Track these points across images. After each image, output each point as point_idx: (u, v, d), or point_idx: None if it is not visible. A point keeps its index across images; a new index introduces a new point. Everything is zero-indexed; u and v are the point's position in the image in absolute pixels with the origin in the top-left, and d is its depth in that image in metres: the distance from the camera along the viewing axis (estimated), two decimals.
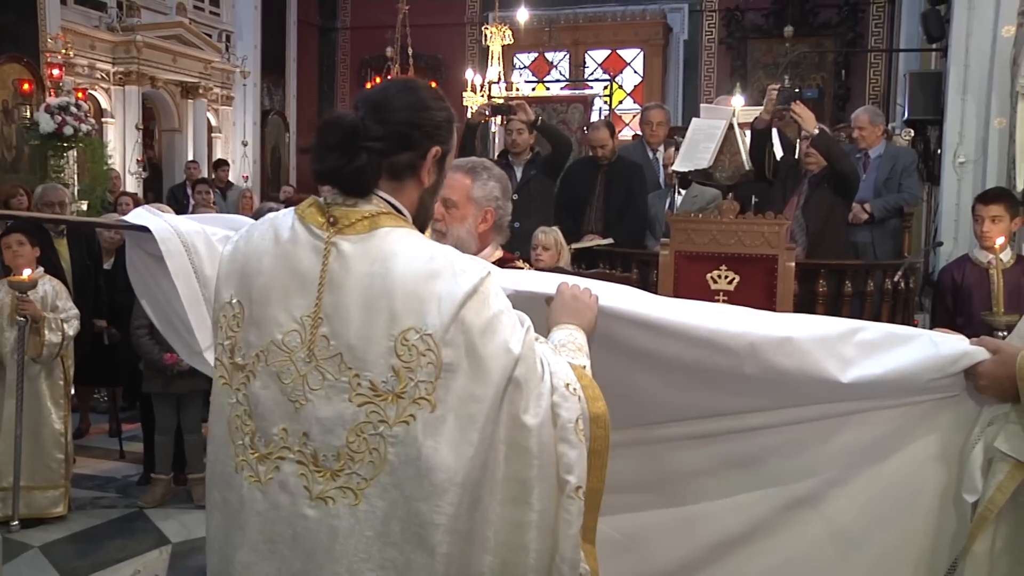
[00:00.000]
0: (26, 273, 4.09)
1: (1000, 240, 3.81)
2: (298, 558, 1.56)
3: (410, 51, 12.85)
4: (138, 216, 2.16)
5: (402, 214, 1.64)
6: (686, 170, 4.86)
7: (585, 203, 5.92)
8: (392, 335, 1.51)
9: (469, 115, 12.93)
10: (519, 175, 5.94)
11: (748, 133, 4.92)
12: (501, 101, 5.80)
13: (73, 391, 5.78)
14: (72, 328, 4.66)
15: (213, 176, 11.25)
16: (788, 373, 1.84)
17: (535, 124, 5.89)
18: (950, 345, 1.85)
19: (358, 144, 1.58)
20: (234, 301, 1.65)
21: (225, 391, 1.65)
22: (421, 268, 1.54)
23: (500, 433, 1.54)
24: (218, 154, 13.57)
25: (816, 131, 4.80)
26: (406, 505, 1.51)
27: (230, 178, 11.76)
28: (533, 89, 13.59)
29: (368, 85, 13.67)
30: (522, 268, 2.41)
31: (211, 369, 2.08)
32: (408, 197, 1.66)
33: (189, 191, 9.74)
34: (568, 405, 1.60)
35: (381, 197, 1.62)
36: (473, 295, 1.53)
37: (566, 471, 1.58)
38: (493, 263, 2.43)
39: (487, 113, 6.07)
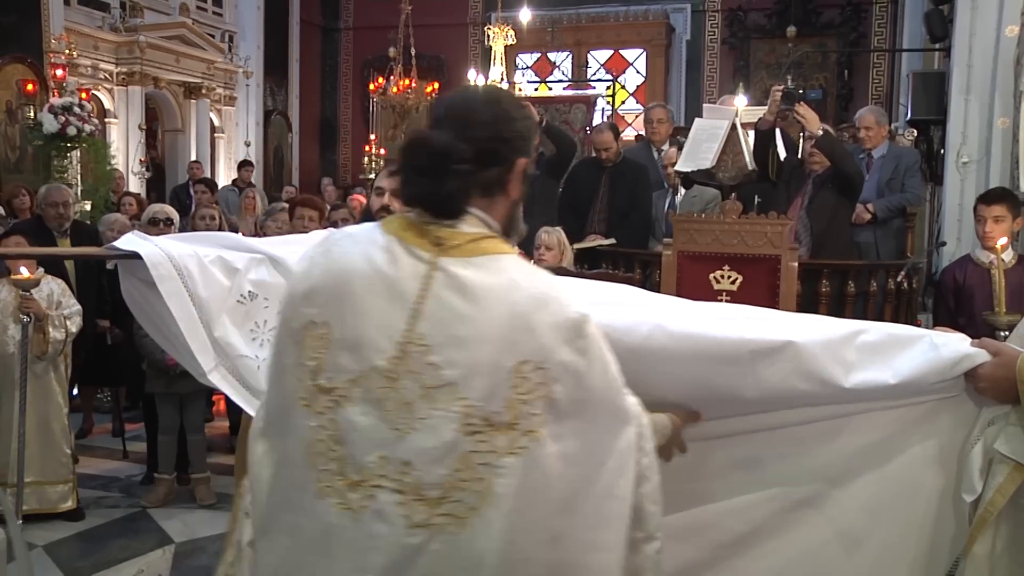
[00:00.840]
0: (24, 271, 4.09)
1: (1002, 240, 3.81)
2: None
3: (413, 51, 12.86)
4: (128, 242, 2.09)
5: (493, 230, 1.60)
6: (689, 170, 4.86)
7: (589, 203, 5.92)
8: (507, 367, 1.48)
9: None
10: None
11: (751, 133, 4.92)
12: None
13: (76, 391, 5.81)
14: (75, 324, 4.70)
15: (236, 176, 11.39)
16: (790, 378, 1.84)
17: (540, 125, 5.89)
18: (951, 347, 1.84)
19: (449, 167, 1.53)
20: (319, 322, 1.55)
21: (304, 413, 1.55)
22: (533, 298, 1.51)
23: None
24: (221, 154, 13.60)
25: (820, 132, 4.80)
26: (503, 537, 1.49)
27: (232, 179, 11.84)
28: (536, 89, 13.60)
29: (371, 86, 13.71)
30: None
31: (225, 387, 2.05)
32: (498, 212, 1.61)
33: (192, 191, 9.76)
34: (649, 448, 1.65)
35: (474, 215, 1.58)
36: (584, 325, 1.53)
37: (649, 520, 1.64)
38: None
39: None
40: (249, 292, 2.11)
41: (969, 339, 1.89)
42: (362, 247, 1.57)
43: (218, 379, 2.06)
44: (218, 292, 2.07)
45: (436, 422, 1.48)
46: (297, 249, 2.23)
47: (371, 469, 1.50)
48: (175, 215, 5.77)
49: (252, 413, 2.05)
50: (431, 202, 1.56)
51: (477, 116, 1.58)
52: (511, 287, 1.51)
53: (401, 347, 1.50)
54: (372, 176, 12.28)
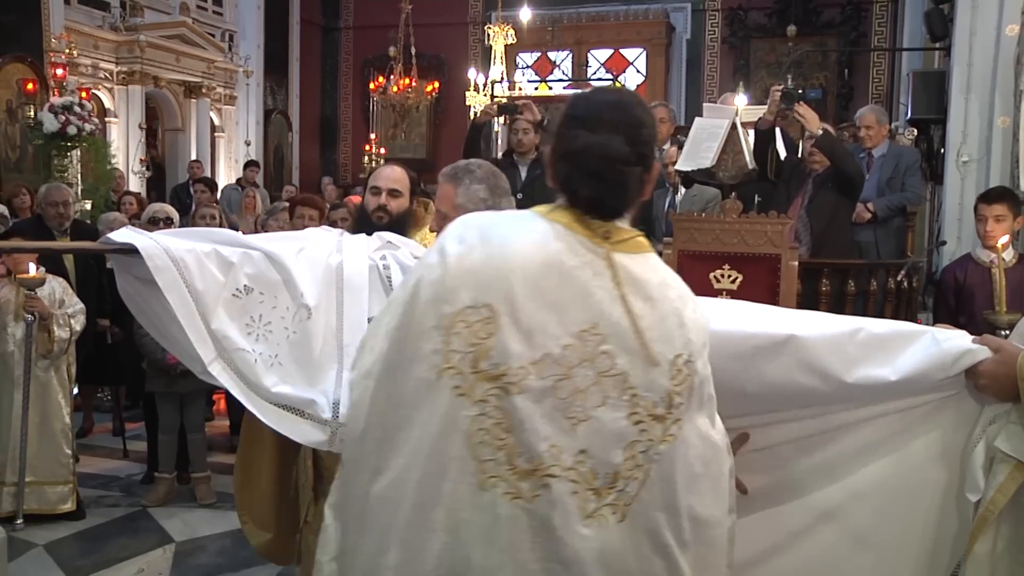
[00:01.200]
0: (32, 269, 4.10)
1: (1003, 239, 3.81)
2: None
3: (413, 50, 12.87)
4: (123, 235, 2.06)
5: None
6: (689, 169, 4.86)
7: None
8: (669, 359, 1.56)
9: (472, 115, 12.96)
10: (524, 175, 5.93)
11: (752, 132, 4.91)
12: (506, 101, 5.78)
13: (77, 390, 5.81)
14: (79, 323, 4.71)
15: (241, 176, 11.42)
16: (792, 372, 1.84)
17: (541, 124, 5.88)
18: (952, 344, 1.84)
19: (622, 170, 1.58)
20: (479, 306, 1.52)
21: (461, 403, 1.52)
22: (681, 296, 1.64)
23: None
24: (221, 154, 13.60)
25: (820, 131, 4.80)
26: (655, 521, 1.56)
27: (233, 178, 11.85)
28: (536, 88, 13.59)
29: (371, 85, 13.72)
30: None
31: (225, 379, 2.02)
32: (632, 210, 1.67)
33: (192, 190, 9.77)
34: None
35: (624, 215, 1.65)
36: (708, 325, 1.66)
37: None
38: None
39: (493, 113, 6.05)
40: (245, 286, 2.09)
41: (971, 335, 1.89)
42: (529, 234, 1.57)
43: (218, 371, 2.04)
44: (213, 285, 2.05)
45: (608, 411, 1.53)
46: (291, 245, 2.23)
47: (544, 458, 1.50)
48: (175, 214, 5.77)
49: (251, 407, 2.05)
50: (604, 204, 1.59)
51: (636, 120, 1.62)
52: (665, 284, 1.62)
53: (577, 336, 1.52)
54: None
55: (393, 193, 2.87)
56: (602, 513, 1.52)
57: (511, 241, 1.56)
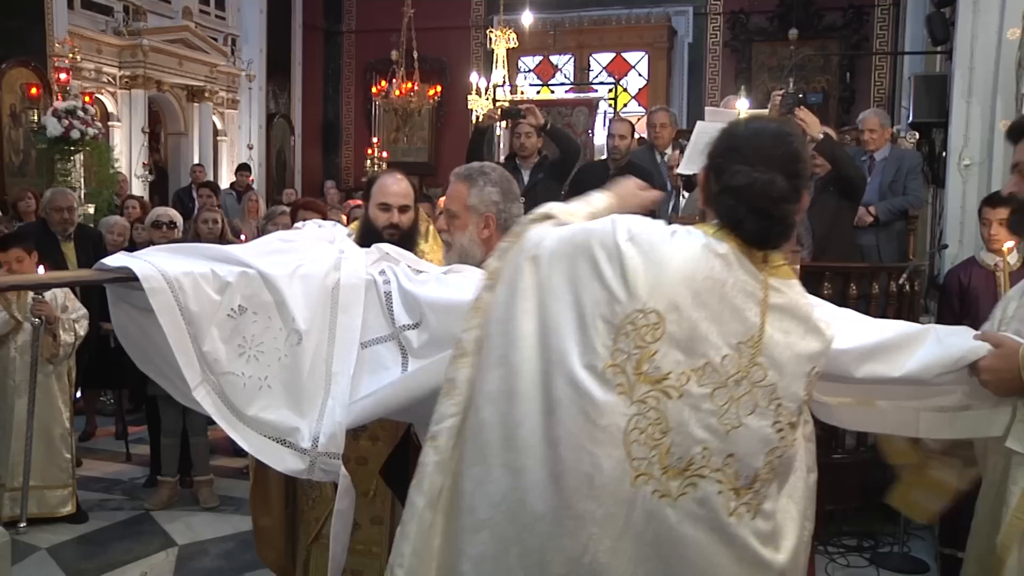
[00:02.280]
0: (41, 272, 4.11)
1: (1009, 243, 3.81)
2: (708, 569, 1.64)
3: (415, 54, 12.87)
4: (117, 260, 2.06)
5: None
6: (691, 173, 4.86)
7: None
8: (806, 371, 1.72)
9: (475, 119, 12.97)
10: (526, 179, 5.93)
11: None
12: (509, 105, 5.77)
13: (79, 394, 5.81)
14: (83, 328, 4.73)
15: (234, 180, 11.38)
16: None
17: (544, 127, 5.88)
18: (953, 341, 1.86)
19: (786, 208, 1.69)
20: (648, 311, 1.62)
21: (622, 401, 1.62)
22: (820, 316, 1.79)
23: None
24: (224, 157, 13.62)
25: (820, 136, 4.80)
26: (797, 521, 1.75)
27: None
28: (538, 92, 13.61)
29: (373, 89, 13.72)
30: None
31: (208, 404, 2.02)
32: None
33: (195, 194, 9.77)
34: None
35: None
36: None
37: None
38: None
39: (496, 116, 6.05)
40: (239, 306, 2.08)
41: (973, 331, 1.90)
42: (694, 249, 1.68)
43: (202, 396, 2.03)
44: (208, 306, 2.03)
45: (757, 419, 1.65)
46: (289, 261, 2.18)
47: (696, 460, 1.62)
48: (179, 218, 5.78)
49: (232, 433, 2.04)
50: (767, 239, 1.71)
51: (794, 154, 1.71)
52: (808, 306, 1.76)
53: (735, 347, 1.65)
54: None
55: (403, 209, 2.77)
56: (739, 512, 1.65)
57: (679, 253, 1.67)
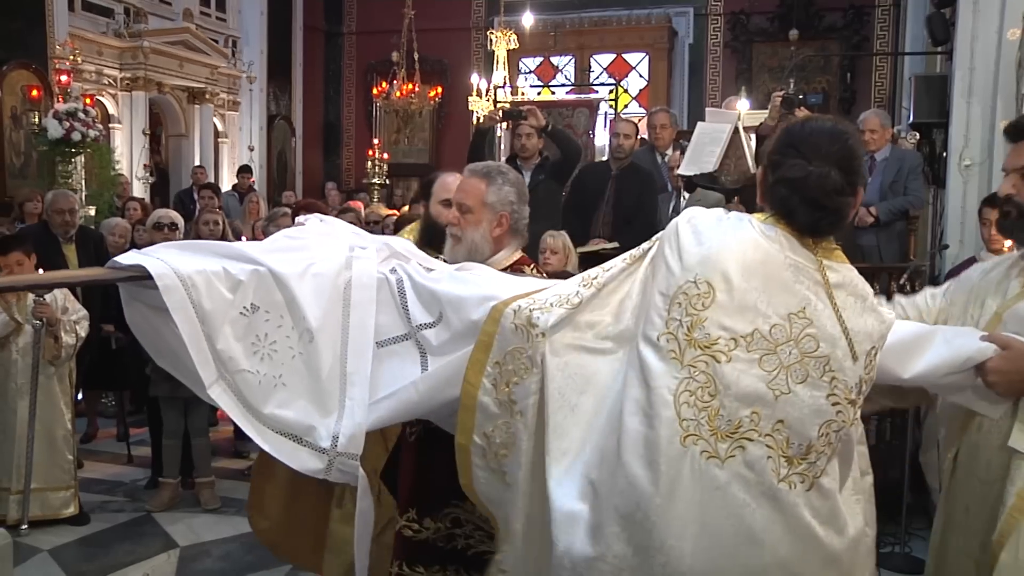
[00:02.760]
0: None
1: (1008, 243, 3.80)
2: (757, 533, 1.67)
3: (416, 56, 12.89)
4: (129, 258, 2.06)
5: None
6: (691, 173, 4.87)
7: (594, 207, 5.92)
8: (866, 350, 1.76)
9: (476, 120, 12.98)
10: (528, 180, 5.92)
11: (754, 137, 4.92)
12: (510, 106, 5.77)
13: (81, 396, 5.82)
14: (83, 329, 4.74)
15: (236, 182, 11.39)
16: None
17: (546, 129, 5.88)
18: (960, 342, 1.87)
19: (839, 201, 1.76)
20: (699, 281, 1.72)
21: (673, 365, 1.70)
22: (870, 294, 1.82)
23: None
24: (224, 159, 13.63)
25: None
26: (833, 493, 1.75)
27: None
28: (538, 94, 13.60)
29: (374, 90, 13.74)
30: (531, 274, 2.41)
31: (225, 401, 2.03)
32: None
33: (196, 196, 9.79)
34: None
35: None
36: None
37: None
38: (507, 267, 2.43)
39: (498, 118, 6.04)
40: (252, 304, 2.06)
41: (980, 332, 1.90)
42: (748, 231, 1.77)
43: (218, 393, 2.02)
44: (221, 304, 2.02)
45: (808, 389, 1.69)
46: (300, 259, 2.16)
47: (745, 423, 1.67)
48: (180, 220, 5.78)
49: (249, 430, 2.03)
50: (819, 229, 1.78)
51: (851, 151, 1.79)
52: (865, 286, 1.80)
53: (786, 317, 1.70)
54: (375, 181, 12.27)
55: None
56: (792, 479, 1.67)
57: (733, 233, 1.77)
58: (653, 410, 1.69)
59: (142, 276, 2.01)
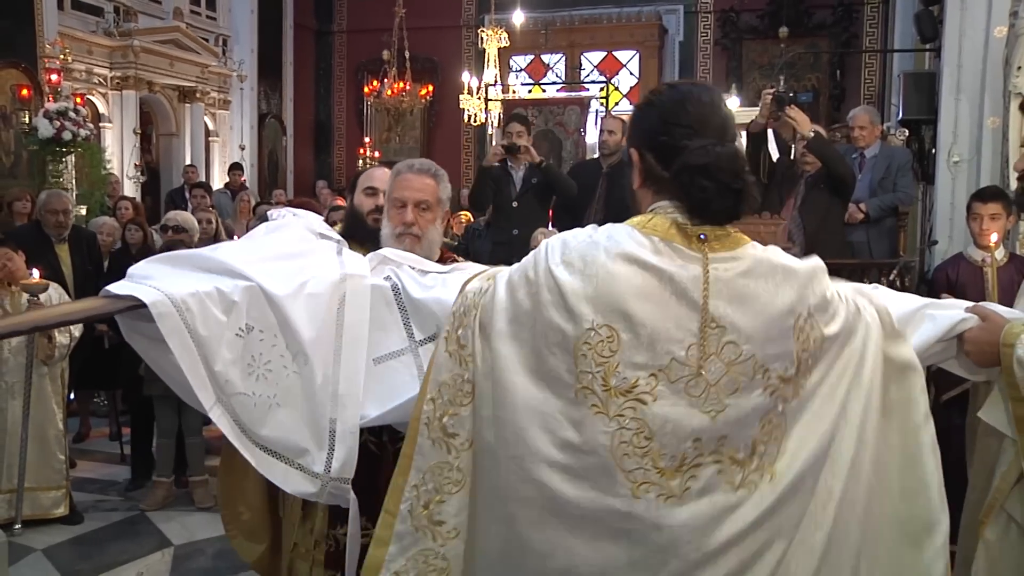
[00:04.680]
0: (36, 274, 4.11)
1: (995, 238, 3.85)
2: (741, 545, 1.60)
3: (407, 54, 12.89)
4: (122, 288, 2.00)
5: None
6: None
7: (586, 204, 5.94)
8: (789, 324, 1.60)
9: (466, 117, 12.98)
10: (518, 182, 5.96)
11: (744, 134, 4.95)
12: (508, 143, 5.83)
13: (73, 395, 5.81)
14: (77, 328, 4.72)
15: (228, 180, 11.38)
16: None
17: (539, 166, 5.91)
18: (945, 314, 1.89)
19: (747, 178, 1.60)
20: (599, 327, 1.55)
21: (598, 420, 1.57)
22: (788, 261, 1.64)
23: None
24: (215, 158, 13.61)
25: (811, 134, 4.84)
26: (806, 461, 1.65)
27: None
28: (529, 91, 13.62)
29: (365, 88, 13.73)
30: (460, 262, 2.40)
31: (224, 424, 1.99)
32: None
33: (187, 195, 9.77)
34: None
35: None
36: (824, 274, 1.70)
37: None
38: (438, 260, 2.42)
39: (501, 156, 6.05)
40: (246, 325, 2.02)
41: (966, 303, 1.93)
42: (628, 251, 1.59)
43: (217, 416, 1.99)
44: (216, 327, 1.98)
45: (743, 396, 1.57)
46: (293, 274, 2.10)
47: (689, 455, 1.57)
48: (189, 225, 5.70)
49: (245, 452, 2.00)
50: (734, 213, 1.60)
51: (728, 118, 1.67)
52: (773, 257, 1.62)
53: (698, 334, 1.56)
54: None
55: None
56: (751, 480, 1.59)
57: (613, 261, 1.58)
58: (596, 476, 1.57)
59: (137, 306, 1.97)
